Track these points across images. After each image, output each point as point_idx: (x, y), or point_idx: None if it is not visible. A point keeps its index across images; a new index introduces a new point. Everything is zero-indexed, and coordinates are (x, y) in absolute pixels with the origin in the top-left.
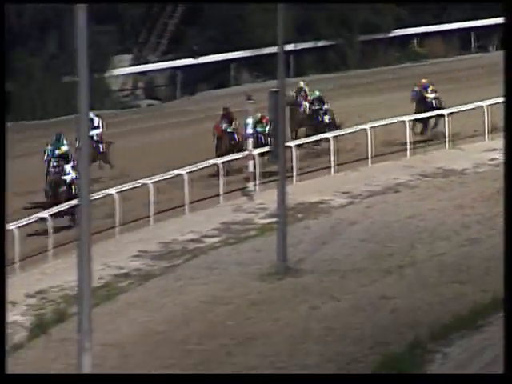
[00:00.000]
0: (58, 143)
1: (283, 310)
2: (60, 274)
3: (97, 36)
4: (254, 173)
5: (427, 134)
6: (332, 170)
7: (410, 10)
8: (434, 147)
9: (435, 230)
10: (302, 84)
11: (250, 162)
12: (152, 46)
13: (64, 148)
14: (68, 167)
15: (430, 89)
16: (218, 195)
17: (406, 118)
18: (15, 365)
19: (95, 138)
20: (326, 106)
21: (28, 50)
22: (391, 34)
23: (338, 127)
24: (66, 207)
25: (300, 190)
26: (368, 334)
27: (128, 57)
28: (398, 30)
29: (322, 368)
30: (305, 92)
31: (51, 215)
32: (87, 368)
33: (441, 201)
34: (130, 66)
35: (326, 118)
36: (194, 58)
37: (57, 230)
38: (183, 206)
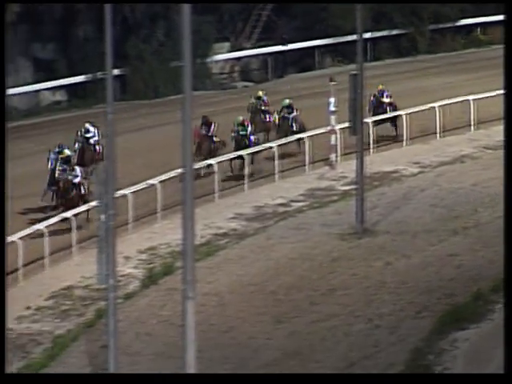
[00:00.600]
0: (59, 149)
1: (361, 266)
2: (167, 233)
3: (199, 26)
4: (336, 145)
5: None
6: (404, 143)
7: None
8: (497, 123)
9: (496, 196)
10: (260, 93)
11: (333, 136)
12: (247, 35)
13: (67, 152)
14: (77, 169)
15: (386, 94)
16: (304, 165)
17: (471, 98)
18: (129, 311)
19: (92, 142)
20: (294, 113)
21: (140, 38)
22: (457, 24)
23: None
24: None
25: (376, 161)
26: (436, 286)
27: (226, 44)
28: (463, 20)
29: (396, 316)
30: (263, 101)
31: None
32: (191, 314)
33: (502, 170)
34: (228, 52)
35: (294, 126)
36: (284, 45)
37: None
38: (274, 174)
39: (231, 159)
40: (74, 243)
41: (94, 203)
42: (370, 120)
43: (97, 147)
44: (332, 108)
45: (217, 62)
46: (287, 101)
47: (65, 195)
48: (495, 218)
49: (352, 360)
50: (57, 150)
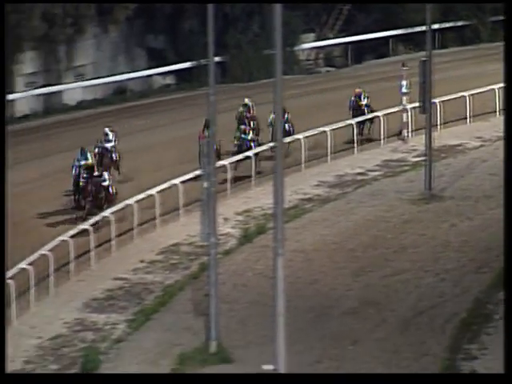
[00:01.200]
0: (83, 157)
1: (429, 227)
2: (260, 198)
3: (289, 19)
4: (407, 122)
5: (364, 134)
6: (468, 120)
7: None
8: None
9: None
10: (246, 100)
11: (404, 115)
12: (330, 26)
13: (90, 161)
14: (106, 174)
15: (363, 96)
16: (380, 139)
17: None
18: (228, 265)
19: (109, 148)
20: (286, 116)
21: (238, 30)
22: None
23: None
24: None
25: (443, 136)
26: (495, 245)
27: (312, 35)
28: None
29: (459, 271)
30: (249, 107)
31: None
32: (280, 268)
33: None
34: (313, 41)
35: (286, 126)
36: (362, 35)
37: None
38: (353, 148)
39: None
40: (181, 206)
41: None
42: (438, 100)
43: (113, 155)
44: (404, 90)
45: (303, 50)
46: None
47: (96, 196)
48: None
49: (421, 309)
50: (80, 156)
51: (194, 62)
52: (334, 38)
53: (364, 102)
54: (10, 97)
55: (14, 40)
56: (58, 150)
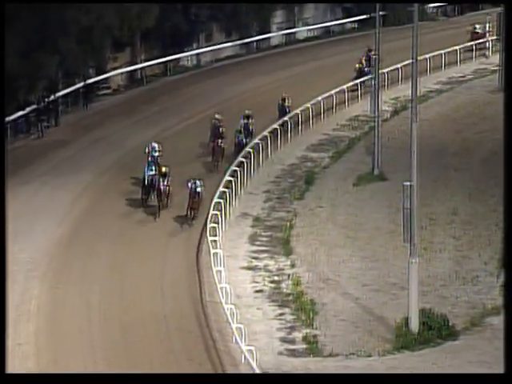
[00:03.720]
0: (155, 167)
1: None
2: (406, 89)
3: None
4: (489, 44)
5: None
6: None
7: None
8: None
9: None
10: (217, 116)
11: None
12: None
13: (163, 169)
14: (198, 182)
15: (286, 99)
16: (472, 58)
17: None
18: (384, 127)
19: (156, 158)
20: (250, 120)
21: None
22: None
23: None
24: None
25: None
26: None
27: None
28: None
29: None
30: (218, 120)
31: None
32: (414, 130)
33: None
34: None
35: (250, 128)
36: None
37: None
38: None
39: None
40: (360, 94)
41: None
42: None
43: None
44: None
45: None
46: (246, 111)
47: (193, 200)
48: None
49: None
50: (152, 167)
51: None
52: None
53: (286, 103)
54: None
55: None
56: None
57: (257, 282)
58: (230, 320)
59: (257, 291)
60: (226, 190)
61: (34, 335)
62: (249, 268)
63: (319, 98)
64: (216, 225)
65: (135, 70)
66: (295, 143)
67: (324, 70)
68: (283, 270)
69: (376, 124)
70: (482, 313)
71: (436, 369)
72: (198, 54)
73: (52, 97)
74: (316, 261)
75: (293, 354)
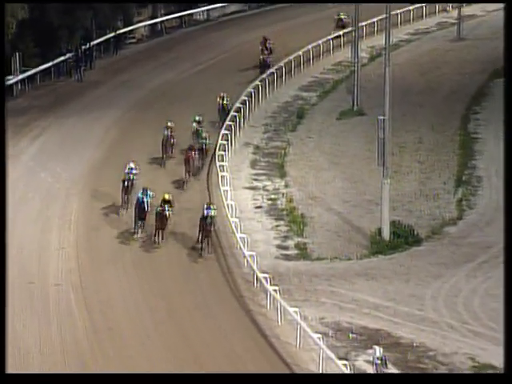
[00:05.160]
0: (147, 194)
1: None
2: (343, 53)
3: None
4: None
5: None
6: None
7: None
8: None
9: None
10: (197, 117)
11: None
12: None
13: (166, 196)
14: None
15: (225, 98)
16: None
17: None
18: (366, 69)
19: (132, 178)
20: (226, 100)
21: None
22: None
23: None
24: None
25: None
26: None
27: None
28: None
29: None
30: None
31: None
32: (388, 70)
33: None
34: None
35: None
36: None
37: None
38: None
39: None
40: (343, 43)
41: None
42: None
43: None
44: None
45: None
46: (197, 117)
47: (204, 227)
48: None
49: None
50: (149, 193)
51: None
52: None
53: (225, 102)
54: None
55: None
56: None
57: (257, 200)
58: (235, 230)
59: (257, 207)
60: (231, 123)
61: (75, 241)
62: (250, 188)
63: (309, 47)
64: (223, 152)
65: (156, 23)
66: (289, 84)
67: (316, 23)
68: (278, 189)
69: (356, 68)
70: (442, 223)
71: (403, 269)
72: (208, 10)
73: (88, 45)
74: (306, 182)
75: (287, 258)
